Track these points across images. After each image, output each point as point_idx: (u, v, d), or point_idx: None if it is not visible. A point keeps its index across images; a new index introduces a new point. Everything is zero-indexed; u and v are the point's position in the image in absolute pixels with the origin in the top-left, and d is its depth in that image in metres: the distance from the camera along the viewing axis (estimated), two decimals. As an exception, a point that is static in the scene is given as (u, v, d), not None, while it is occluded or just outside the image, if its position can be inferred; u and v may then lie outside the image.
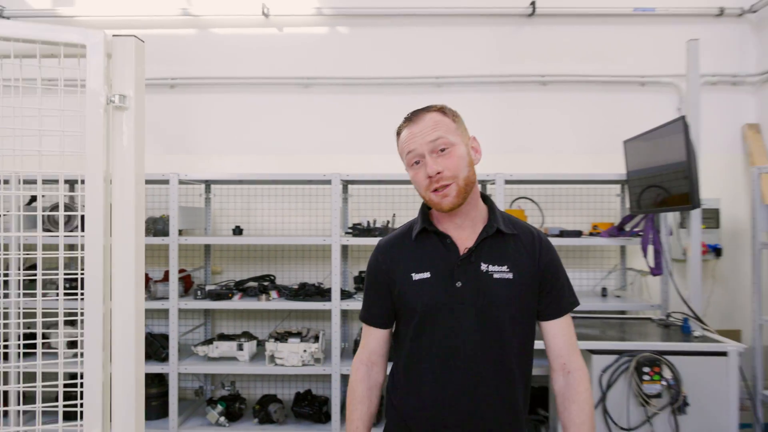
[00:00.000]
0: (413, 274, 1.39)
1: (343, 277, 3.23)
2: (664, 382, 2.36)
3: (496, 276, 1.35)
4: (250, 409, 3.36)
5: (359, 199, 3.79)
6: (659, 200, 2.90)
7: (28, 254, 1.29)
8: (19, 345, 1.37)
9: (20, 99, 1.14)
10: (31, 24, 1.14)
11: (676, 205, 2.78)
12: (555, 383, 1.42)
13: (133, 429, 1.18)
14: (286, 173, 3.54)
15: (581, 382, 1.38)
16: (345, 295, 3.25)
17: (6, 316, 1.30)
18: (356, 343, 1.14)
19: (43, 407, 1.20)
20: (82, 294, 1.15)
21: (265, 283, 3.46)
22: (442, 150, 1.32)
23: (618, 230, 3.30)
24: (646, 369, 2.38)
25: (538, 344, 1.42)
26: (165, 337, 3.29)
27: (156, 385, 3.30)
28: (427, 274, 1.38)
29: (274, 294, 3.30)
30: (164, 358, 3.18)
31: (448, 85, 3.82)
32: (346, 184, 3.61)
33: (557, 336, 1.41)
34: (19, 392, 1.26)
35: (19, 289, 1.30)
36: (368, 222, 3.30)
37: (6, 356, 1.36)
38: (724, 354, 2.43)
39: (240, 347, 3.26)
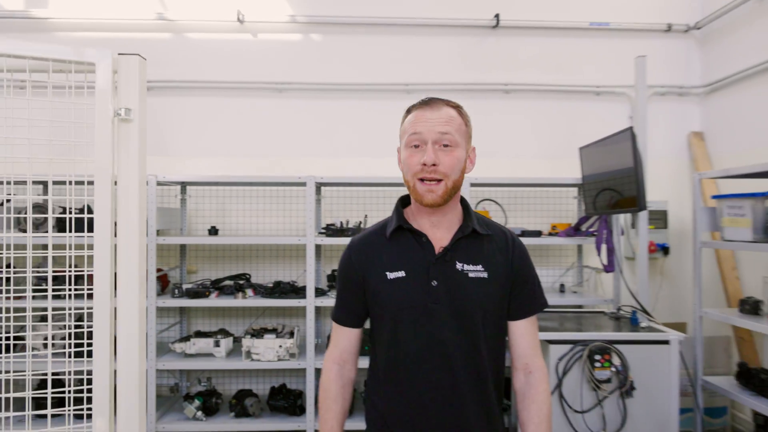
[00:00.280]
0: (388, 273, 1.38)
1: (316, 275, 3.37)
2: (613, 369, 2.60)
3: (471, 275, 1.36)
4: (227, 403, 3.47)
5: (332, 200, 3.93)
6: (612, 202, 3.14)
7: (36, 253, 1.40)
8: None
9: (29, 111, 1.25)
10: (46, 45, 1.25)
11: (626, 208, 3.02)
12: (516, 381, 1.46)
13: (137, 418, 1.29)
14: (263, 175, 3.66)
15: (541, 382, 1.42)
16: (319, 292, 3.39)
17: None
18: (330, 339, 1.22)
19: (53, 392, 1.31)
20: (89, 291, 1.27)
21: (241, 282, 3.57)
22: (446, 145, 1.33)
23: (575, 230, 3.54)
24: (598, 357, 2.61)
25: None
26: (142, 335, 3.36)
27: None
28: (402, 273, 1.37)
29: (250, 292, 3.41)
30: (142, 355, 3.25)
31: (417, 91, 4.00)
32: (319, 186, 3.75)
33: (523, 336, 1.44)
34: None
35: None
36: (341, 222, 3.45)
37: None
38: (666, 342, 2.68)
39: (217, 344, 3.36)
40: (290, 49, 4.02)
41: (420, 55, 4.04)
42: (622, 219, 3.56)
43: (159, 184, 3.39)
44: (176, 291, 3.34)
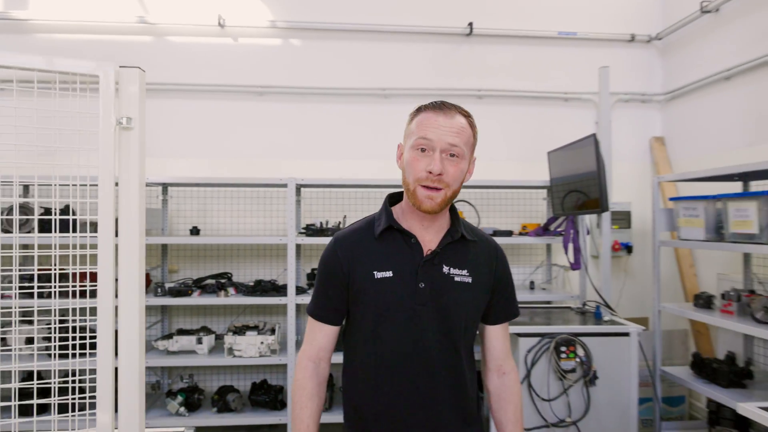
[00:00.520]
0: (375, 272, 1.37)
1: (297, 274, 3.48)
2: (577, 359, 2.78)
3: (456, 279, 1.38)
4: (209, 399, 3.56)
5: (311, 201, 4.04)
6: (578, 204, 3.32)
7: (42, 252, 1.49)
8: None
9: (35, 120, 1.35)
10: (52, 58, 1.35)
11: (591, 209, 3.21)
12: (489, 382, 1.52)
13: (137, 413, 1.37)
14: (244, 177, 3.75)
15: (516, 383, 1.50)
16: (299, 290, 3.51)
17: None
18: (305, 335, 1.23)
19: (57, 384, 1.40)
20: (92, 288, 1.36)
21: (223, 281, 3.66)
22: (453, 155, 1.33)
23: (544, 230, 3.72)
24: (563, 348, 2.78)
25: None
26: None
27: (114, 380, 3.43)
28: (389, 273, 1.37)
29: (231, 290, 3.51)
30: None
31: (394, 96, 4.14)
32: (300, 187, 3.86)
33: (498, 339, 1.51)
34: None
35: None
36: (321, 223, 3.57)
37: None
38: (626, 335, 2.88)
39: (199, 341, 3.45)
40: (270, 53, 4.12)
41: (397, 61, 4.18)
42: (587, 219, 3.76)
43: (142, 185, 3.45)
44: (159, 290, 3.41)
